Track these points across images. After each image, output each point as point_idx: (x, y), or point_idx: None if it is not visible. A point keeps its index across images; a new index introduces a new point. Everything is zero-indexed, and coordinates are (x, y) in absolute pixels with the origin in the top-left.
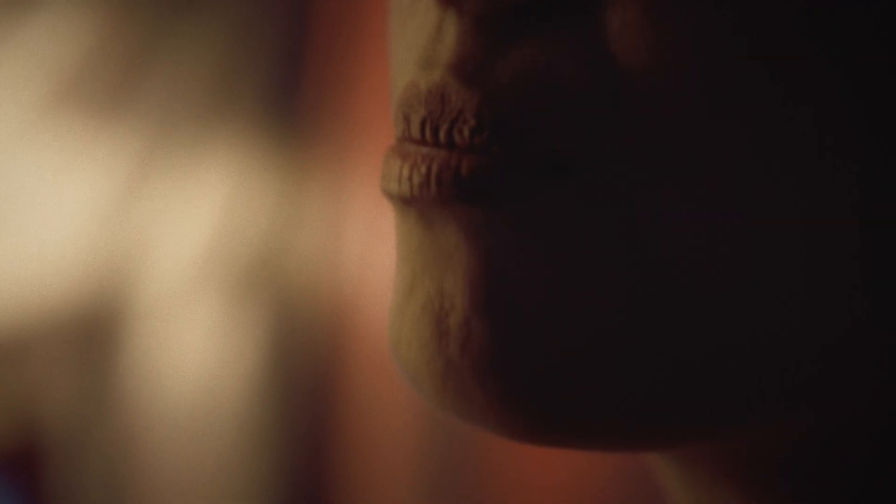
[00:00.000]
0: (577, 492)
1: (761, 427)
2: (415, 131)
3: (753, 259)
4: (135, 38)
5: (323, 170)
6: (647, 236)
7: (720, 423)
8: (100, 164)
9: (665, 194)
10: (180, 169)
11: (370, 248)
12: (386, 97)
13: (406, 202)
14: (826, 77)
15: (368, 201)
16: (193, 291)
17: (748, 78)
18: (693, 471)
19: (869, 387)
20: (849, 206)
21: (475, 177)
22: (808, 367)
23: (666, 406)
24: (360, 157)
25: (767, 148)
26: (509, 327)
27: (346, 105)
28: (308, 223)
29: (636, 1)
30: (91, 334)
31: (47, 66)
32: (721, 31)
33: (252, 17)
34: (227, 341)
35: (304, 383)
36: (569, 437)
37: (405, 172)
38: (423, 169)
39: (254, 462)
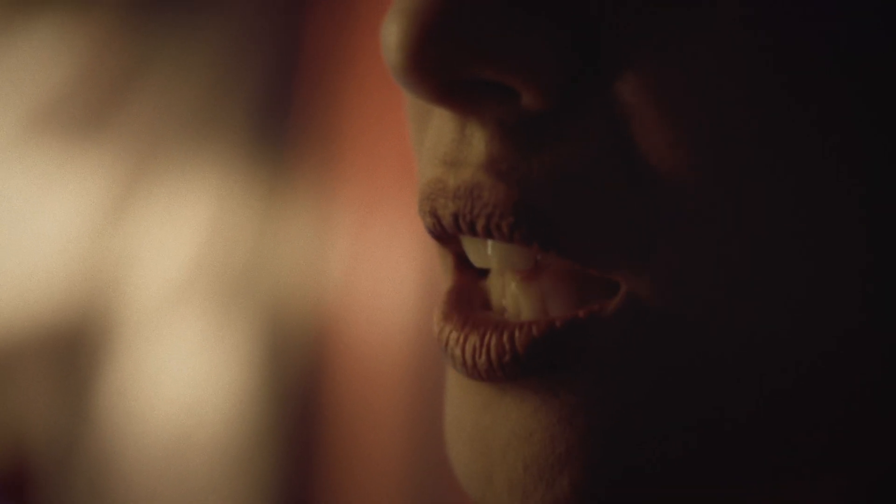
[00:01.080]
0: None
1: (786, 495)
2: (448, 225)
3: (765, 321)
4: (123, 56)
5: (308, 186)
6: (694, 335)
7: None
8: (86, 181)
9: (702, 283)
10: (166, 185)
11: (355, 263)
12: (371, 116)
13: (478, 380)
14: (841, 156)
15: (353, 217)
16: (178, 307)
17: (763, 172)
18: None
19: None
20: (865, 290)
21: (532, 354)
22: (835, 429)
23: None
24: (345, 173)
25: (773, 215)
26: (587, 478)
27: (331, 122)
28: (293, 239)
29: (653, 102)
30: (76, 350)
31: (35, 84)
32: (728, 121)
33: (240, 34)
34: (212, 357)
35: (290, 398)
36: None
37: (469, 360)
38: (483, 357)
39: (240, 477)
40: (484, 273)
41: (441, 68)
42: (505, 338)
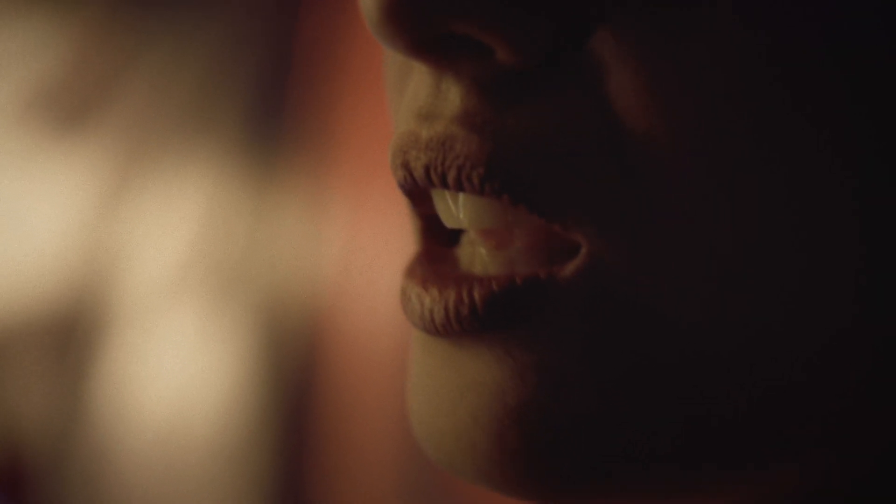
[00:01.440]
0: None
1: (772, 484)
2: (419, 177)
3: (762, 315)
4: (117, 47)
5: (301, 178)
6: (655, 307)
7: (731, 479)
8: (80, 173)
9: (670, 256)
10: (160, 176)
11: (348, 255)
12: (365, 108)
13: (434, 335)
14: (813, 135)
15: (347, 209)
16: (173, 299)
17: (741, 134)
18: None
19: (885, 438)
20: (853, 268)
21: (491, 307)
22: (819, 420)
23: (674, 461)
24: (338, 166)
25: (765, 206)
26: (537, 437)
27: (325, 114)
28: (287, 230)
29: (629, 61)
30: (69, 343)
31: (29, 75)
32: (713, 90)
33: (234, 26)
34: (206, 348)
35: (284, 389)
36: (583, 493)
37: (426, 314)
38: (442, 310)
39: (235, 468)
40: (454, 242)
41: (418, 22)
42: (465, 291)
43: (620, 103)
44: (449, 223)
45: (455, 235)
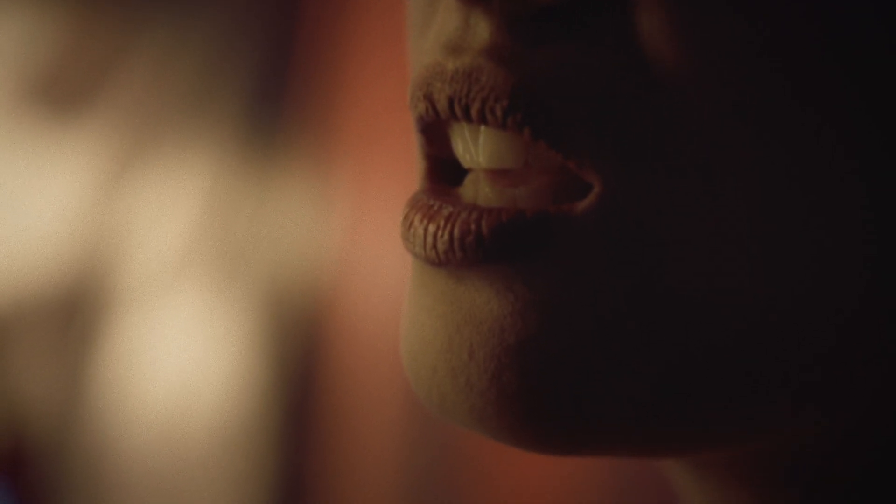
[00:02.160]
0: (565, 490)
1: (769, 433)
2: (442, 109)
3: (765, 264)
4: (120, 31)
5: (305, 160)
6: (664, 252)
7: (729, 426)
8: (83, 156)
9: (685, 201)
10: (163, 159)
11: (352, 238)
12: (369, 92)
13: (434, 265)
14: (839, 80)
15: (350, 192)
16: (175, 282)
17: (770, 82)
18: (706, 477)
19: (869, 391)
20: (860, 210)
21: (497, 237)
22: (813, 367)
23: (675, 407)
24: (342, 148)
25: (787, 153)
26: (533, 376)
27: (329, 97)
28: (290, 213)
29: (662, 5)
30: (71, 326)
31: (29, 59)
32: (744, 35)
33: (238, 8)
34: (208, 331)
35: (287, 372)
36: (582, 439)
37: (429, 239)
38: (446, 235)
39: (236, 453)
40: (458, 184)
41: None
42: (472, 218)
43: (650, 46)
44: (466, 163)
45: (459, 179)
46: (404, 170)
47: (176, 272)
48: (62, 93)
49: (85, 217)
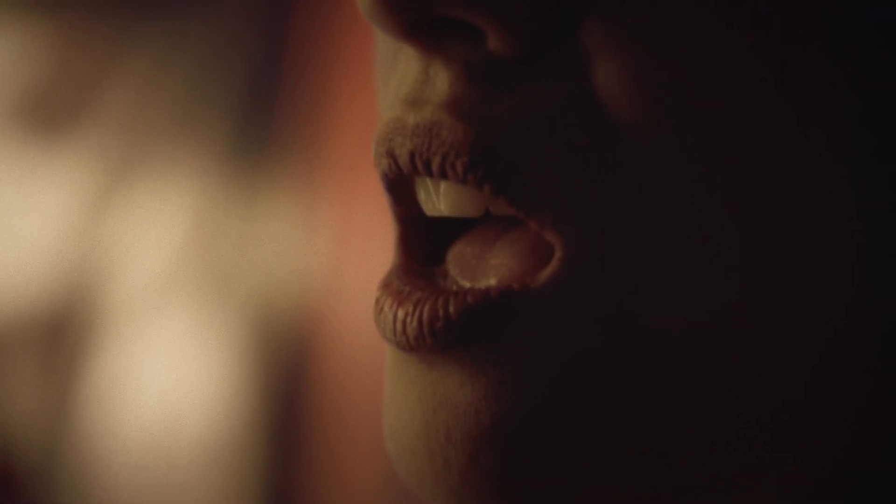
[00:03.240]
0: None
1: (754, 472)
2: (404, 164)
3: (750, 320)
4: (105, 51)
5: (291, 180)
6: (631, 305)
7: (712, 473)
8: (69, 175)
9: (653, 251)
10: (149, 179)
11: (338, 257)
12: (355, 112)
13: (406, 351)
14: (795, 116)
15: (336, 212)
16: (162, 301)
17: (727, 124)
18: None
19: (852, 410)
20: (848, 265)
21: (465, 320)
22: (795, 389)
23: (661, 474)
24: (328, 168)
25: (747, 193)
26: (509, 454)
27: (315, 117)
28: (276, 233)
29: (617, 53)
30: (59, 345)
31: (15, 79)
32: (700, 86)
33: (224, 29)
34: (195, 351)
35: (274, 392)
36: None
37: (398, 325)
38: (415, 322)
39: (224, 471)
40: (434, 261)
41: (409, 6)
42: (439, 303)
43: (606, 95)
44: (429, 211)
45: (435, 254)
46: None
47: (163, 291)
48: (49, 111)
49: (72, 236)
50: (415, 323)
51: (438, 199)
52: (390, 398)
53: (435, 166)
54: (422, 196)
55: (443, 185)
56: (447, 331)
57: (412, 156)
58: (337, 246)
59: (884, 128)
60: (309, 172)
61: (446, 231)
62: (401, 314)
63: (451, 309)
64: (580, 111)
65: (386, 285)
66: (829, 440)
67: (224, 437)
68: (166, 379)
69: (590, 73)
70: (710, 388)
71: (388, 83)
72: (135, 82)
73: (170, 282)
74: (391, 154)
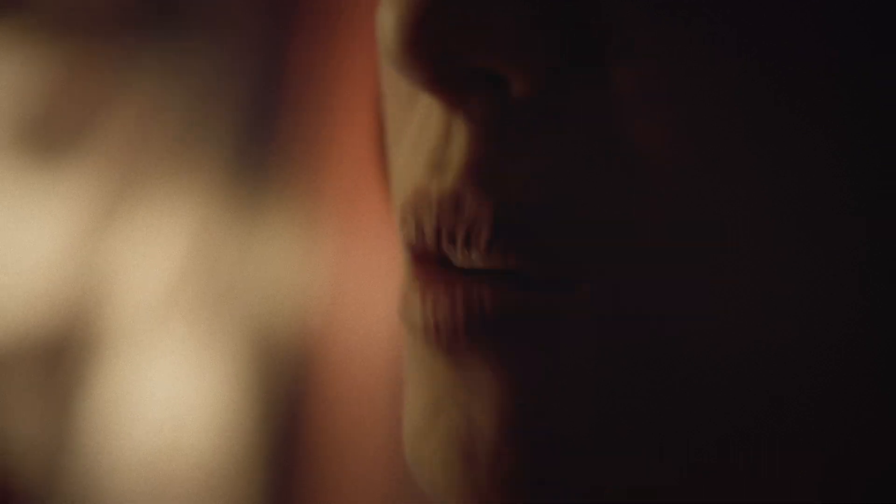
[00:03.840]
0: None
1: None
2: (430, 239)
3: (773, 333)
4: (108, 73)
5: (292, 200)
6: (654, 336)
7: (728, 484)
8: (71, 196)
9: (680, 290)
10: (151, 200)
11: (339, 277)
12: (356, 133)
13: (434, 339)
14: (821, 148)
15: (337, 232)
16: (163, 322)
17: (755, 172)
18: None
19: (858, 434)
20: (857, 278)
21: (498, 315)
22: (803, 410)
23: (689, 479)
24: (329, 188)
25: (776, 230)
26: (536, 454)
27: (316, 137)
28: (277, 253)
29: (639, 102)
30: (59, 366)
31: (18, 101)
32: (727, 132)
33: (226, 50)
34: (196, 372)
35: (274, 412)
36: None
37: (428, 313)
38: (447, 311)
39: (225, 493)
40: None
41: (436, 52)
42: (475, 293)
43: (635, 141)
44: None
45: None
46: (390, 211)
47: (163, 314)
48: (51, 134)
49: (73, 257)
50: (448, 315)
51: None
52: (414, 389)
53: (460, 242)
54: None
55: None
56: (479, 324)
57: (437, 231)
58: (337, 266)
59: (890, 134)
60: (310, 193)
61: None
62: (429, 304)
63: (486, 303)
64: (601, 163)
65: (412, 277)
66: (836, 450)
67: (224, 458)
68: (166, 399)
69: (613, 119)
70: (720, 397)
71: (403, 129)
72: (137, 105)
73: (170, 303)
74: (420, 228)
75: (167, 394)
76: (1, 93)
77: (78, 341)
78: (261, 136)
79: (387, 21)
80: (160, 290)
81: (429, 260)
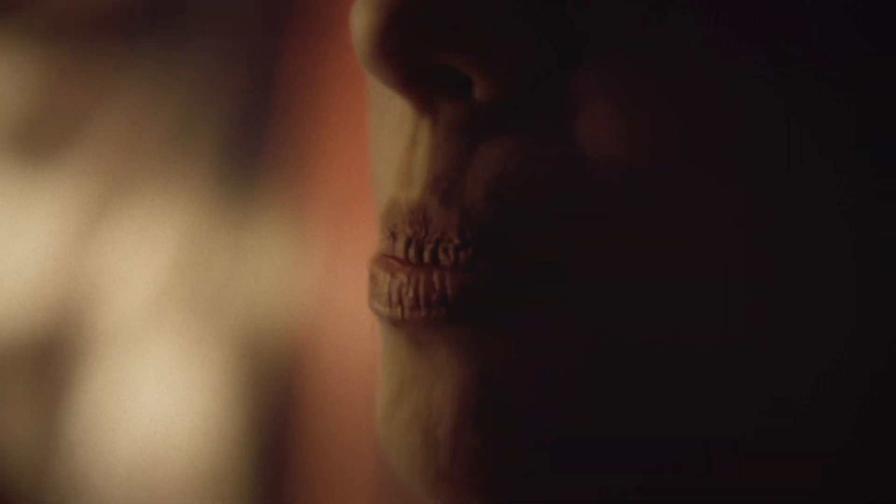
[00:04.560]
0: None
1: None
2: (399, 251)
3: (760, 338)
4: (96, 77)
5: (281, 206)
6: (626, 328)
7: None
8: (58, 201)
9: (642, 283)
10: (139, 205)
11: (328, 283)
12: (346, 138)
13: (396, 324)
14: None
15: (326, 238)
16: (151, 327)
17: (721, 175)
18: None
19: (851, 434)
20: (850, 287)
21: (461, 296)
22: (793, 410)
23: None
24: (318, 194)
25: (743, 233)
26: (497, 436)
27: (305, 143)
28: (266, 258)
29: (601, 103)
30: (46, 370)
31: (5, 104)
32: (686, 133)
33: (215, 56)
34: (184, 376)
35: (263, 417)
36: None
37: (393, 296)
38: (410, 293)
39: (213, 498)
40: None
41: (406, 52)
42: (436, 276)
43: (589, 143)
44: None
45: None
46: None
47: (152, 317)
48: (39, 136)
49: (61, 261)
50: (410, 293)
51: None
52: (383, 378)
53: (427, 253)
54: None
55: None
56: (442, 301)
57: (407, 244)
58: (326, 271)
59: (889, 137)
60: (299, 198)
61: None
62: (395, 285)
63: (448, 283)
64: (562, 163)
65: (377, 261)
66: (836, 449)
67: (212, 462)
68: (155, 404)
69: (574, 120)
70: (706, 400)
71: (379, 135)
72: (126, 108)
73: (159, 307)
74: (393, 236)
75: (155, 396)
76: None
77: (66, 344)
78: (250, 141)
79: (358, 22)
80: (149, 294)
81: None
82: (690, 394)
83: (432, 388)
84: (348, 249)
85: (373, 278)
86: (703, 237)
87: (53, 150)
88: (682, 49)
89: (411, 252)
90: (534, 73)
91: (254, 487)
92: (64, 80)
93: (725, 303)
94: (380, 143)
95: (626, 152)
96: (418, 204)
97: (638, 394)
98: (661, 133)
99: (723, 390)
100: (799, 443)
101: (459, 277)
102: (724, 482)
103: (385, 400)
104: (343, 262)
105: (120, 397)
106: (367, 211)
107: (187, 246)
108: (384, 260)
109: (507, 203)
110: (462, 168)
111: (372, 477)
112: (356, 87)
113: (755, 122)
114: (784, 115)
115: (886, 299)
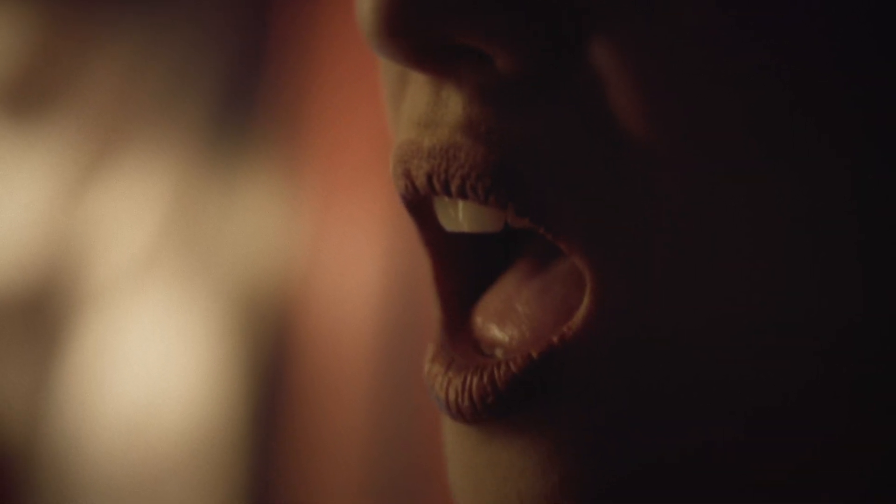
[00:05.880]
0: None
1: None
2: (421, 185)
3: (775, 328)
4: (87, 32)
5: (273, 160)
6: (666, 339)
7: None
8: (50, 156)
9: (678, 278)
10: (130, 160)
11: (320, 238)
12: (338, 95)
13: (464, 423)
14: (814, 145)
15: (318, 192)
16: (142, 282)
17: (736, 139)
18: None
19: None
20: (857, 273)
21: (513, 390)
22: (796, 400)
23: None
24: (310, 148)
25: (774, 216)
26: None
27: (297, 99)
28: (257, 212)
29: (627, 69)
30: (38, 327)
31: None
32: (711, 100)
33: (207, 10)
34: (175, 331)
35: (255, 373)
36: None
37: (452, 404)
38: (466, 402)
39: (205, 454)
40: (470, 297)
41: (415, 31)
42: (486, 379)
43: (618, 112)
44: (448, 227)
45: (468, 294)
46: (374, 171)
47: (144, 273)
48: (31, 94)
49: (52, 218)
50: (467, 402)
51: (458, 216)
52: (457, 467)
53: (454, 187)
54: (440, 211)
55: (461, 204)
56: (498, 403)
57: (429, 177)
58: (318, 226)
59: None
60: (290, 154)
61: (474, 260)
62: (452, 394)
63: (499, 382)
64: (590, 129)
65: (434, 358)
66: (836, 448)
67: (204, 418)
68: (146, 360)
69: (601, 90)
70: (710, 395)
71: (397, 105)
72: (117, 66)
73: (150, 263)
74: (408, 175)
75: (147, 353)
76: None
77: (57, 301)
78: (241, 99)
79: (364, 6)
80: (141, 249)
81: (449, 339)
82: (694, 389)
83: (511, 475)
84: (340, 205)
85: (429, 377)
86: (718, 223)
87: (46, 107)
88: (688, 36)
89: (435, 184)
90: (551, 45)
91: (245, 442)
92: (57, 36)
93: (731, 295)
94: (399, 106)
95: (648, 124)
96: (445, 142)
97: (694, 428)
98: (677, 97)
99: (727, 383)
100: (796, 439)
101: (507, 371)
102: (724, 477)
103: (463, 486)
104: (335, 217)
105: (111, 352)
106: (357, 165)
107: (179, 201)
108: (436, 350)
109: (541, 158)
110: (499, 120)
111: (363, 428)
112: (349, 44)
113: (761, 116)
114: (790, 110)
115: (892, 295)
